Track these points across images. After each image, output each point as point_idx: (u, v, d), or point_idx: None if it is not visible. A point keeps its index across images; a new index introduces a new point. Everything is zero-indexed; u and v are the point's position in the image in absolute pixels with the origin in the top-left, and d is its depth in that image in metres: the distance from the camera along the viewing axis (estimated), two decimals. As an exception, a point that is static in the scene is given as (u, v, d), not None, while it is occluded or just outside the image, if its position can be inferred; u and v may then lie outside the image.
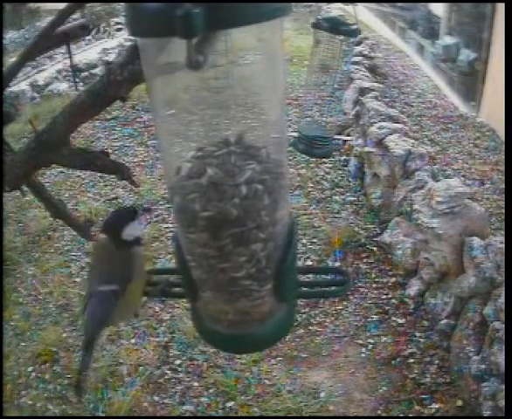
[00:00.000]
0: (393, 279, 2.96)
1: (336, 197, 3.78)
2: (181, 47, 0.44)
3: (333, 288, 0.80)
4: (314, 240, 3.32)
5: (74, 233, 1.27)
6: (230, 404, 2.34)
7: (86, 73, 6.92)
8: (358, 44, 5.75)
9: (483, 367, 2.11)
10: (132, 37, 0.62)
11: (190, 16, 0.43)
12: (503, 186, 3.28)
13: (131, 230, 0.85)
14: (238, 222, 0.60)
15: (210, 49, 0.47)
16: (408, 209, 2.94)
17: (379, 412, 2.26)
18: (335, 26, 1.45)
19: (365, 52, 5.60)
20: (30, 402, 2.41)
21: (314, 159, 3.67)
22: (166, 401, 2.38)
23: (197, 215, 0.60)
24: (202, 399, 2.38)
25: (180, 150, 0.64)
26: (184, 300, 2.77)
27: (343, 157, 4.21)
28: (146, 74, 0.60)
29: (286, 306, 0.70)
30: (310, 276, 0.83)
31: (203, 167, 0.61)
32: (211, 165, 0.61)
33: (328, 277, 0.81)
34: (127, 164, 1.03)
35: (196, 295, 0.68)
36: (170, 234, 3.53)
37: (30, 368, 2.58)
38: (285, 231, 0.66)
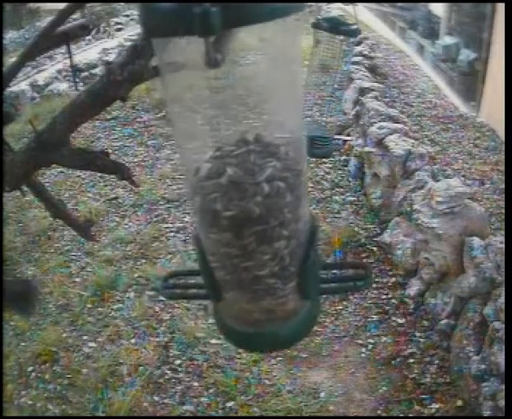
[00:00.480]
0: (393, 279, 2.96)
1: (336, 197, 3.78)
2: (196, 46, 0.44)
3: (355, 283, 0.80)
4: (314, 240, 3.32)
5: (74, 233, 1.27)
6: (230, 404, 2.34)
7: (86, 73, 6.92)
8: (358, 44, 5.75)
9: (483, 367, 2.11)
10: (133, 38, 0.62)
11: (209, 14, 0.43)
12: (503, 186, 3.28)
13: None
14: (260, 220, 0.60)
15: (227, 47, 0.47)
16: (408, 209, 2.94)
17: (379, 412, 2.26)
18: (335, 26, 1.45)
19: (365, 52, 5.60)
20: (30, 402, 2.41)
21: (314, 159, 3.67)
22: (166, 401, 2.38)
23: (219, 214, 0.60)
24: (202, 399, 2.38)
25: (199, 150, 0.64)
26: (185, 300, 2.77)
27: (343, 157, 4.21)
28: (162, 74, 0.59)
29: (309, 303, 0.70)
30: (334, 272, 0.83)
31: (222, 166, 0.61)
32: (231, 164, 0.61)
33: (350, 272, 0.82)
34: (127, 164, 1.03)
35: (219, 296, 0.68)
36: (170, 234, 3.53)
37: (30, 368, 2.58)
38: (307, 228, 0.66)
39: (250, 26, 0.49)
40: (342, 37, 1.48)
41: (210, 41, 0.44)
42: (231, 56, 0.53)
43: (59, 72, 6.98)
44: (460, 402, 2.22)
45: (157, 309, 2.88)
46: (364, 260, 3.13)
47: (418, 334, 2.59)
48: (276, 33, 0.56)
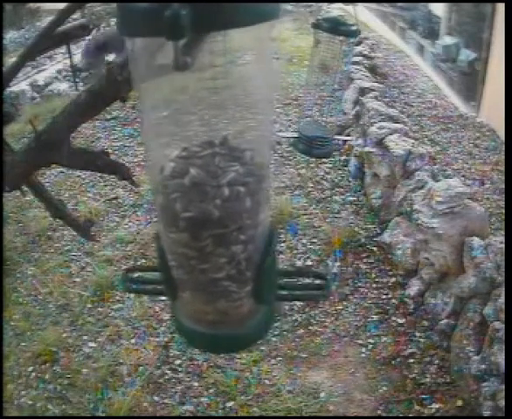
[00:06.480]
0: (393, 279, 2.96)
1: (336, 197, 3.78)
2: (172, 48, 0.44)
3: (314, 292, 0.80)
4: (314, 240, 3.32)
5: (74, 233, 1.27)
6: (230, 404, 2.34)
7: (86, 73, 6.91)
8: (358, 44, 5.75)
9: (483, 367, 2.11)
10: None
11: (178, 17, 0.42)
12: (503, 186, 3.28)
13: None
14: (219, 223, 0.60)
15: (197, 50, 0.47)
16: (408, 209, 2.94)
17: (379, 412, 2.26)
18: (335, 26, 1.45)
19: (365, 52, 5.60)
20: (30, 402, 2.41)
21: (314, 159, 3.67)
22: (166, 401, 2.38)
23: (179, 215, 0.61)
24: (202, 399, 2.38)
25: (168, 151, 0.65)
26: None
27: (343, 157, 4.21)
28: (136, 75, 0.59)
29: (265, 308, 0.70)
30: (294, 279, 0.83)
31: (186, 167, 0.61)
32: (195, 165, 0.61)
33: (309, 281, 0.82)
34: (127, 164, 1.03)
35: (176, 294, 0.69)
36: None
37: (30, 368, 2.58)
38: (265, 234, 0.66)
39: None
40: (342, 38, 1.48)
41: (179, 44, 0.43)
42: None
43: (59, 72, 6.98)
44: (460, 402, 2.22)
45: (157, 309, 2.88)
46: (364, 260, 3.13)
47: (418, 334, 2.59)
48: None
